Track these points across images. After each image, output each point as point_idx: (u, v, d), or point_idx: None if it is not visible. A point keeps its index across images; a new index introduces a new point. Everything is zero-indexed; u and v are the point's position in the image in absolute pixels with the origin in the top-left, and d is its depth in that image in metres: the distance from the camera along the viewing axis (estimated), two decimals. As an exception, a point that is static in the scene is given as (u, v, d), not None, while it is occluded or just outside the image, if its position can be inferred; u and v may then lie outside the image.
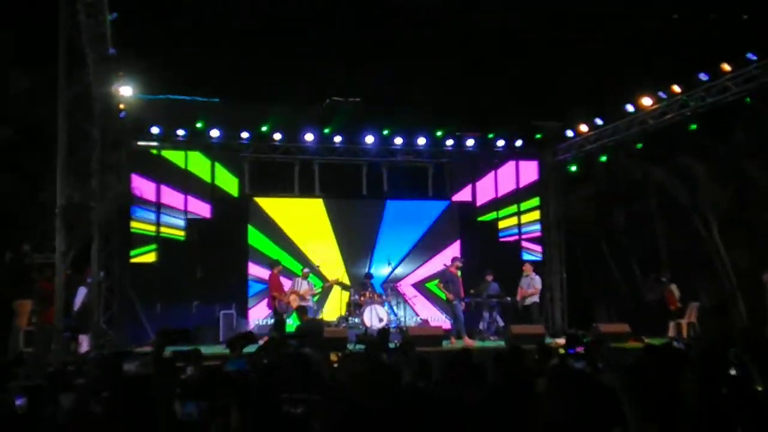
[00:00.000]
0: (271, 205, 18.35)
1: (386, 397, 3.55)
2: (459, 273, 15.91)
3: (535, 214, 19.52)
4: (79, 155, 13.02)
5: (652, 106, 15.64)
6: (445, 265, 16.62)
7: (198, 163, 17.78)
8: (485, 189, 19.44)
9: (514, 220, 19.48)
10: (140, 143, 17.24)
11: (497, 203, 19.44)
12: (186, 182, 17.59)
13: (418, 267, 18.76)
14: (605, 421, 3.42)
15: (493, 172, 19.41)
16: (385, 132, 18.60)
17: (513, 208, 19.49)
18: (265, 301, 16.59)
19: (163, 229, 17.33)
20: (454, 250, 18.66)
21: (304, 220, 18.40)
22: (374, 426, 3.23)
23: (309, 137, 18.23)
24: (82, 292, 14.24)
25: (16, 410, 4.82)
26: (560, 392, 3.70)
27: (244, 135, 17.88)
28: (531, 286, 16.65)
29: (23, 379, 10.62)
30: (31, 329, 12.55)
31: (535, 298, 16.60)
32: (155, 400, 3.43)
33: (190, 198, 17.59)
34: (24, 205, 14.73)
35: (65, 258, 12.26)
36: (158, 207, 17.32)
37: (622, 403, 3.05)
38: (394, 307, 17.38)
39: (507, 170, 19.56)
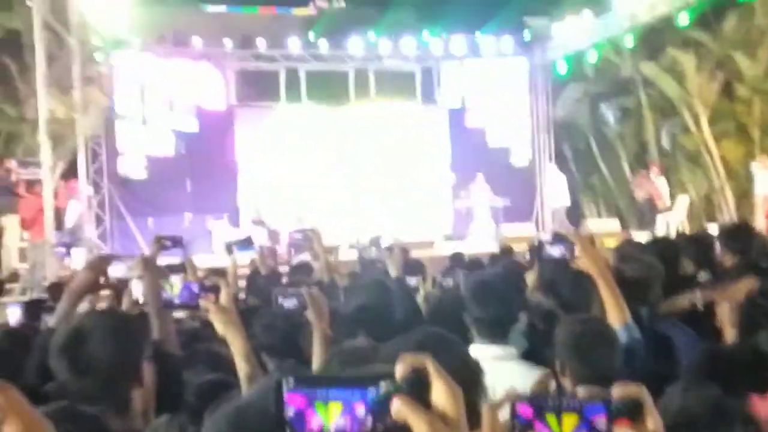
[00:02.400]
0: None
1: (375, 291, 3.62)
2: None
3: (525, 116, 19.37)
4: (59, 67, 12.74)
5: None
6: None
7: (182, 75, 17.46)
8: (473, 94, 19.26)
9: (503, 124, 19.33)
10: (120, 53, 16.83)
11: (485, 108, 19.28)
12: (170, 94, 17.32)
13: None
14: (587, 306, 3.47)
15: (481, 77, 19.17)
16: (372, 36, 18.23)
17: (502, 113, 19.32)
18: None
19: (149, 143, 17.14)
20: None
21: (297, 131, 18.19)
22: (365, 318, 3.29)
23: (294, 43, 17.86)
24: (74, 207, 14.19)
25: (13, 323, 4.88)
26: (542, 278, 3.80)
27: (228, 42, 17.47)
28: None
29: (20, 294, 10.74)
30: (23, 246, 12.58)
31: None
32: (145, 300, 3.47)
33: (175, 110, 17.36)
34: (5, 120, 14.48)
35: (53, 173, 12.19)
36: (144, 120, 17.07)
37: (600, 287, 3.09)
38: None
39: (496, 74, 19.29)
